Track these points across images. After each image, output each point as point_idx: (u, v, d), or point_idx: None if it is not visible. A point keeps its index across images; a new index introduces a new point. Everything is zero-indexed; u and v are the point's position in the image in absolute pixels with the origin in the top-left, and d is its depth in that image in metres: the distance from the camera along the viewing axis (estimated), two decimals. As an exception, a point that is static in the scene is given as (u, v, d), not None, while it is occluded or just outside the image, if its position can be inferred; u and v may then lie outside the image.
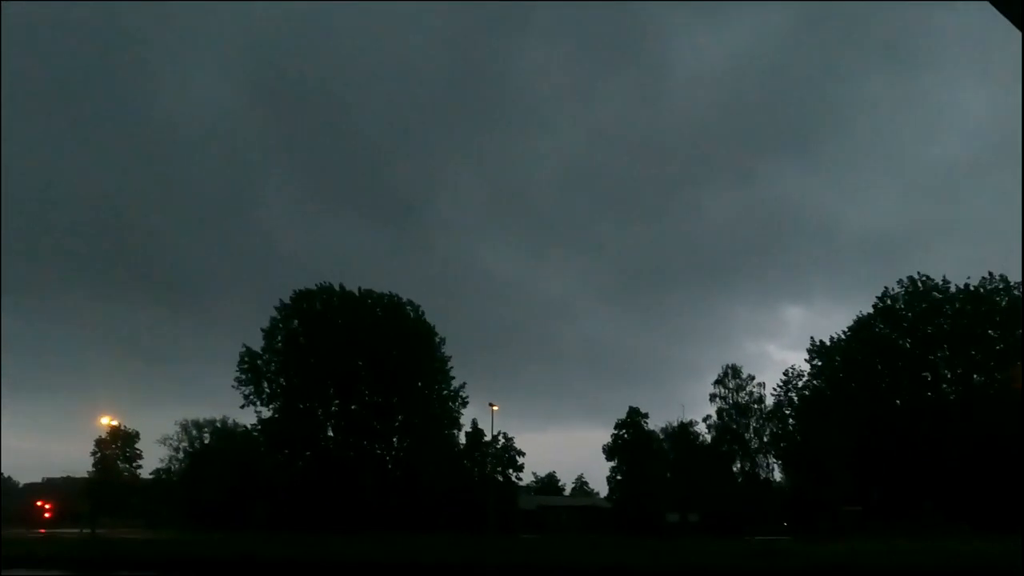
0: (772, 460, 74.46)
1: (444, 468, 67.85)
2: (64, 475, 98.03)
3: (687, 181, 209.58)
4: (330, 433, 67.37)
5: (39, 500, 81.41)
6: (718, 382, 75.00)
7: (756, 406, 74.28)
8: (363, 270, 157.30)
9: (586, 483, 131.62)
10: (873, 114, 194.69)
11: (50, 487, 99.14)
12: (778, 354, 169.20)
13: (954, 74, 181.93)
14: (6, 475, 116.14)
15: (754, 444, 73.66)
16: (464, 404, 71.27)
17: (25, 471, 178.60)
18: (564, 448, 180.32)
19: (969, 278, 62.99)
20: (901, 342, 64.78)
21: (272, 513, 61.29)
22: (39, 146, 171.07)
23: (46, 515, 79.54)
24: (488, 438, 71.41)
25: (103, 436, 62.29)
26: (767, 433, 74.23)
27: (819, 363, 71.00)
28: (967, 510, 54.23)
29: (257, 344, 67.79)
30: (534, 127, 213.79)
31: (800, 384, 73.27)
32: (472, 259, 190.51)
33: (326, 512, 57.88)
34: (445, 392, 70.92)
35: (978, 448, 53.42)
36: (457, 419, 71.38)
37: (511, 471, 76.37)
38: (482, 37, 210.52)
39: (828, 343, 70.64)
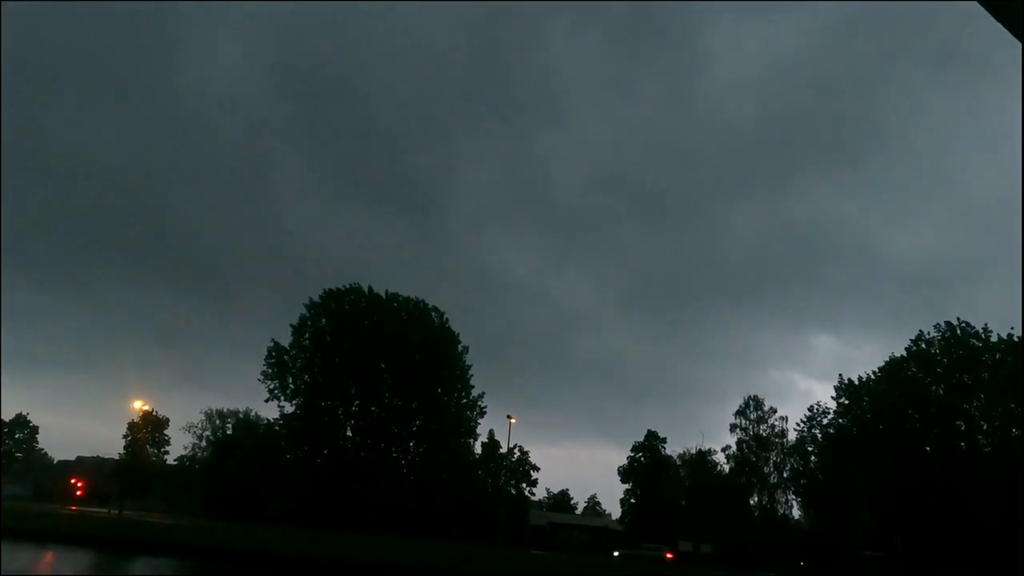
0: (791, 497, 72.97)
1: (458, 476, 68.05)
2: (94, 454, 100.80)
3: (717, 191, 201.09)
4: (349, 433, 68.20)
5: (73, 477, 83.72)
6: (739, 412, 74.05)
7: (777, 440, 73.03)
8: (382, 265, 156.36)
9: (598, 503, 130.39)
10: (925, 130, 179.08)
11: (81, 465, 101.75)
12: (803, 382, 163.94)
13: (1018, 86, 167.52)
14: (42, 450, 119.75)
15: (773, 479, 72.31)
16: (482, 414, 71.61)
17: (58, 447, 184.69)
18: (577, 464, 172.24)
19: (1012, 328, 61.36)
20: (935, 388, 63.06)
21: (289, 507, 62.21)
22: (62, 122, 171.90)
23: (78, 492, 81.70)
24: (504, 450, 71.56)
25: (135, 420, 63.85)
26: (788, 468, 72.83)
27: (846, 401, 69.49)
28: (995, 566, 52.32)
29: (282, 337, 69.30)
30: (558, 124, 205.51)
31: (825, 421, 71.86)
32: (491, 259, 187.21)
33: (341, 510, 58.57)
34: (464, 401, 71.28)
35: (1013, 503, 51.54)
36: (474, 428, 71.74)
37: (524, 485, 76.36)
38: (506, 28, 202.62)
39: (857, 382, 69.15)
